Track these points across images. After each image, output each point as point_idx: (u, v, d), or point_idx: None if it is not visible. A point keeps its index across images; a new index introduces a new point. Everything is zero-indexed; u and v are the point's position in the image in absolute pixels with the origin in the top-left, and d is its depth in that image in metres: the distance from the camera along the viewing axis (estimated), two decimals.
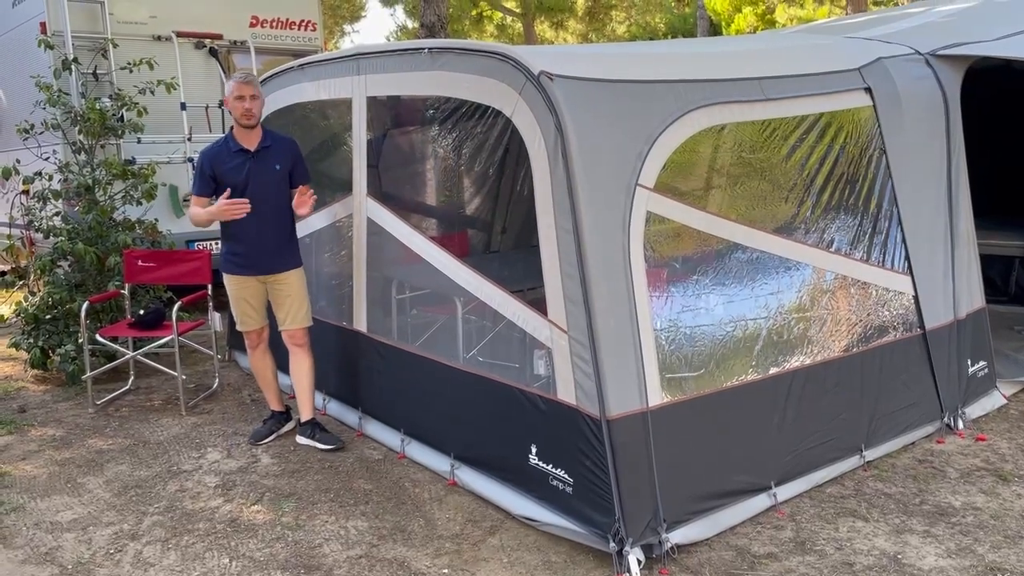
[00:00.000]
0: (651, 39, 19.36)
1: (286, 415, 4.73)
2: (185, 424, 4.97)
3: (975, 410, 4.63)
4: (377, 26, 65.80)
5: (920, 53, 4.83)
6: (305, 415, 4.57)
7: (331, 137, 5.10)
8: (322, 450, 4.44)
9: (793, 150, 4.04)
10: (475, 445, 3.95)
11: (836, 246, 4.15)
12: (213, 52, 7.71)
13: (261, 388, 4.78)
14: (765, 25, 18.93)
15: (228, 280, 4.45)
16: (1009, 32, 5.30)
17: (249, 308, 4.50)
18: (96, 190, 6.18)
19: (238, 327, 4.57)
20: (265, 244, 4.35)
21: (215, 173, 4.32)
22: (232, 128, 4.35)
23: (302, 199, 4.23)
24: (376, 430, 4.59)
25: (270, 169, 4.34)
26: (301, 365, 4.53)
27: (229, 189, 4.25)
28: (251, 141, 4.33)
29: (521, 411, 3.62)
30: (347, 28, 23.51)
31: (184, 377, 5.27)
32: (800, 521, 3.57)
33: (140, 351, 5.48)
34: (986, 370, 4.77)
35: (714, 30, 20.47)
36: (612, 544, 3.19)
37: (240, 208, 4.20)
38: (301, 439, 4.56)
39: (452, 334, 4.30)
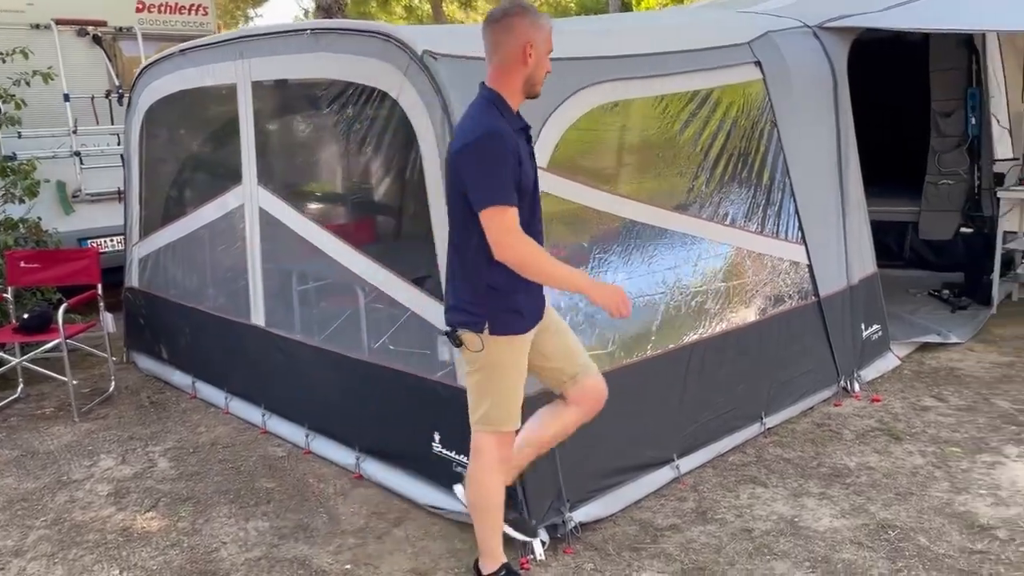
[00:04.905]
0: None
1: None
2: (78, 431, 4.74)
3: (870, 372, 4.78)
4: (284, 9, 63.04)
5: (808, 26, 4.92)
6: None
7: (218, 125, 4.91)
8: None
9: (686, 125, 4.06)
10: (380, 436, 3.87)
11: (731, 219, 4.20)
12: (97, 39, 7.33)
13: (487, 532, 2.94)
14: (674, 2, 19.14)
15: (510, 345, 2.78)
16: (893, 3, 5.45)
17: (522, 386, 2.88)
18: None
19: (507, 426, 2.84)
20: None
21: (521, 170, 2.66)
22: (497, 97, 2.70)
23: None
24: (280, 426, 4.46)
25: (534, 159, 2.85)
26: (563, 430, 3.06)
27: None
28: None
29: (423, 399, 3.56)
30: (251, 13, 22.84)
31: (76, 382, 5.02)
32: (702, 491, 3.62)
33: (27, 357, 5.20)
34: (880, 333, 4.93)
35: (625, 8, 20.59)
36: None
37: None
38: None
39: (354, 325, 4.19)
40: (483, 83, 2.75)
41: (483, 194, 2.60)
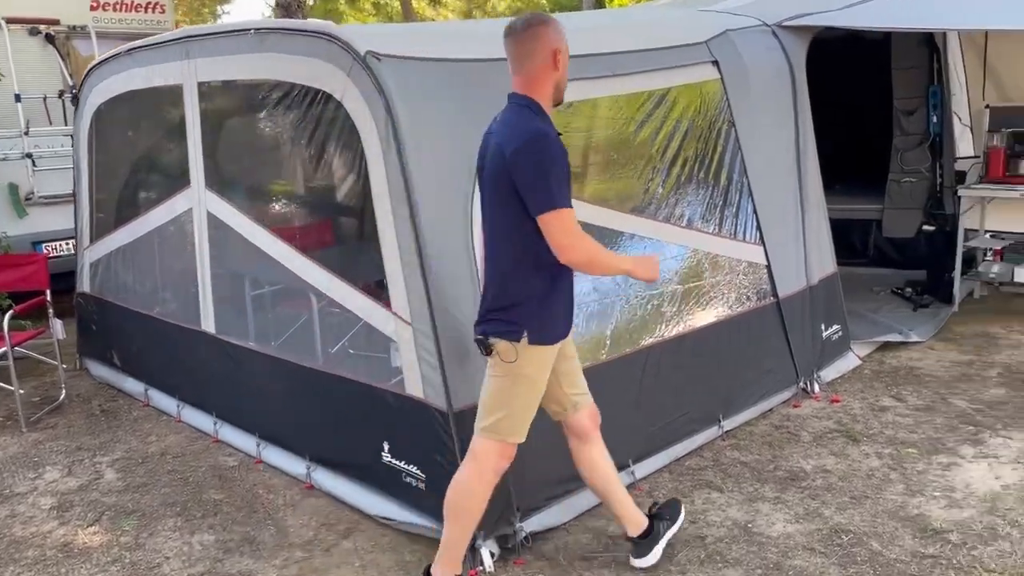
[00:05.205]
0: None
1: None
2: (25, 442, 4.61)
3: (830, 373, 4.75)
4: (252, 6, 61.15)
5: (767, 24, 4.89)
6: (643, 521, 3.12)
7: (166, 126, 4.79)
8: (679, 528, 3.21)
9: (642, 126, 4.01)
10: (330, 445, 3.79)
11: (688, 220, 4.15)
12: (50, 38, 7.17)
13: (456, 536, 2.90)
14: None
15: (541, 356, 2.74)
16: (852, 1, 5.43)
17: (538, 402, 2.87)
18: None
19: (514, 439, 2.82)
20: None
21: None
22: (534, 103, 2.65)
23: None
24: (232, 435, 4.36)
25: None
26: (608, 457, 3.08)
27: None
28: None
29: (373, 408, 3.49)
30: (219, 10, 22.52)
31: (23, 391, 4.89)
32: (657, 497, 3.57)
33: None
34: (840, 333, 4.91)
35: (599, 4, 20.50)
36: None
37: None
38: (653, 555, 3.09)
39: (304, 332, 4.10)
40: (513, 93, 2.70)
41: (543, 196, 2.55)
